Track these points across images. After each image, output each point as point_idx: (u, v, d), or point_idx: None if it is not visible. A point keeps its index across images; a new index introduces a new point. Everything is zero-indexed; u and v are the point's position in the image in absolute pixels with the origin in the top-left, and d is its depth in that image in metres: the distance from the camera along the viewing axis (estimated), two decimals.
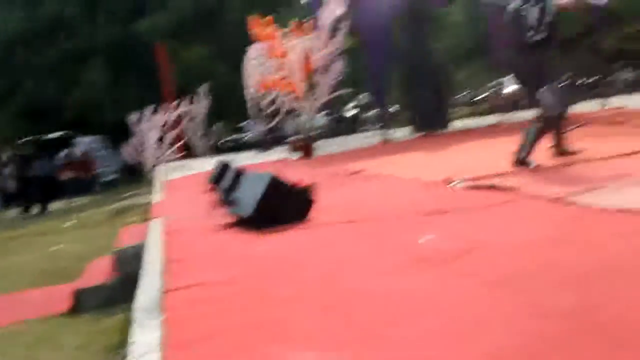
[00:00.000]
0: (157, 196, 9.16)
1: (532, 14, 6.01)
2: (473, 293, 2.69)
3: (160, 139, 18.23)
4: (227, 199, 5.47)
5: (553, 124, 6.05)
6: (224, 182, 6.62)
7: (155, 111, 18.27)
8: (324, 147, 13.35)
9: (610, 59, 26.79)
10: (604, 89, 14.88)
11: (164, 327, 2.82)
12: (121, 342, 4.82)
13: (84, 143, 26.01)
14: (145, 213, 10.28)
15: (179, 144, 18.93)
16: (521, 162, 5.91)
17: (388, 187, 6.42)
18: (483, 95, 30.09)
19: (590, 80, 27.53)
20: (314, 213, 5.04)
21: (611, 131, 8.09)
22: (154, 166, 17.19)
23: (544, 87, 5.96)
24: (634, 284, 2.48)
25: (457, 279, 2.92)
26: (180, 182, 10.59)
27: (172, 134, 18.47)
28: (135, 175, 21.94)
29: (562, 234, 3.44)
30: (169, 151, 18.07)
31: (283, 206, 4.93)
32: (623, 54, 31.85)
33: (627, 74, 26.92)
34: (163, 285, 3.55)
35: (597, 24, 14.23)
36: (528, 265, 2.96)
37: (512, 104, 22.13)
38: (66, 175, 23.69)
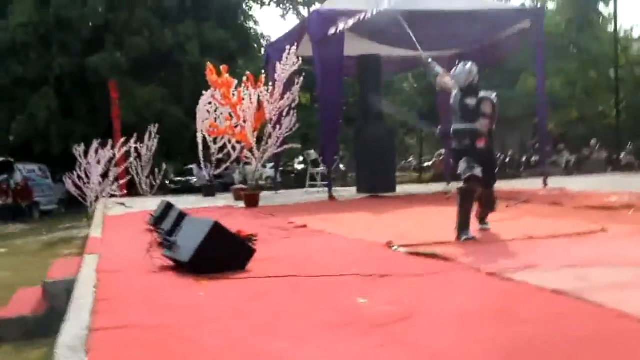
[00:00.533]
0: (95, 231, 8.93)
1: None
2: None
3: (105, 174, 17.87)
4: (167, 242, 5.35)
5: (467, 193, 6.13)
6: (166, 224, 6.51)
7: (102, 146, 17.96)
8: (270, 198, 13.29)
9: (554, 141, 27.63)
10: (547, 169, 15.24)
11: None
12: None
13: (25, 170, 25.47)
14: (81, 247, 10.03)
15: (124, 180, 18.59)
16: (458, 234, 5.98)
17: (330, 244, 6.38)
18: (430, 162, 30.67)
19: (533, 159, 28.31)
20: (253, 264, 4.97)
21: (551, 211, 8.25)
22: (95, 200, 16.85)
23: (462, 160, 6.11)
24: None
25: (391, 346, 2.89)
26: (120, 219, 10.36)
27: (117, 170, 18.13)
28: (75, 208, 21.49)
29: (499, 309, 3.46)
30: (113, 187, 17.72)
31: (223, 254, 4.85)
32: (565, 137, 32.92)
33: (569, 156, 27.76)
34: (90, 323, 3.42)
35: (541, 107, 14.59)
36: (463, 338, 2.96)
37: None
38: (3, 200, 23.10)
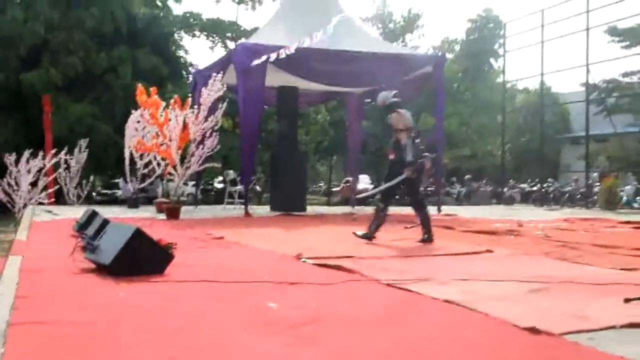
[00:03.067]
0: (21, 234, 8.54)
1: None
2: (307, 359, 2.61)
3: (34, 183, 17.19)
4: (91, 245, 5.15)
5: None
6: (90, 230, 6.26)
7: (33, 156, 17.30)
8: (190, 212, 13.03)
9: (447, 174, 28.33)
10: (441, 198, 15.59)
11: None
12: None
13: None
14: (6, 249, 9.54)
15: (52, 190, 17.94)
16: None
17: (245, 255, 6.30)
18: (338, 188, 30.83)
19: (428, 189, 28.88)
20: (171, 269, 4.83)
21: (444, 233, 8.39)
22: (24, 207, 16.15)
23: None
24: None
25: (299, 344, 2.85)
26: (47, 225, 9.93)
27: (46, 180, 17.48)
28: (3, 213, 20.56)
29: (397, 315, 3.48)
30: (41, 195, 17.06)
31: (143, 258, 4.71)
32: (457, 171, 33.83)
33: (460, 188, 28.47)
34: (10, 318, 3.23)
35: (439, 143, 14.92)
36: (365, 339, 2.96)
37: (363, 198, 22.77)
38: None
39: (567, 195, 23.20)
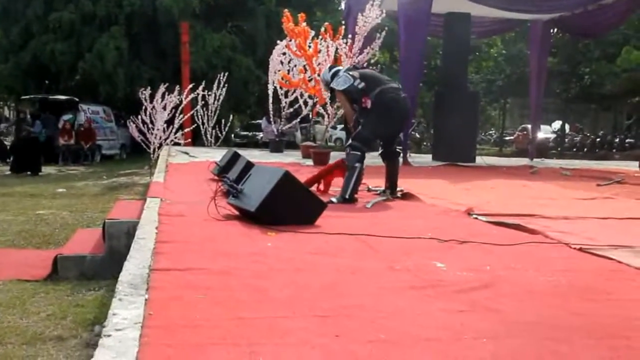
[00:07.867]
0: (158, 176, 9.05)
1: None
2: (482, 330, 2.58)
3: (170, 121, 17.94)
4: (234, 190, 5.35)
5: None
6: (232, 173, 6.54)
7: (169, 91, 17.98)
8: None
9: None
10: None
11: (148, 306, 2.73)
12: (97, 319, 4.74)
13: (90, 111, 25.80)
14: (142, 193, 10.19)
15: (188, 129, 18.72)
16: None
17: (404, 208, 6.31)
18: (512, 137, 30.11)
19: (627, 141, 27.51)
20: (323, 220, 4.95)
21: None
22: (159, 147, 16.99)
23: None
24: None
25: (474, 311, 2.83)
26: (184, 167, 10.46)
27: (182, 118, 18.23)
28: (136, 155, 21.82)
29: (590, 285, 3.35)
30: (177, 135, 17.84)
31: (292, 206, 4.83)
32: None
33: None
34: (152, 263, 3.46)
35: None
36: (550, 310, 2.88)
37: (542, 150, 22.10)
38: (66, 140, 23.57)
39: None
